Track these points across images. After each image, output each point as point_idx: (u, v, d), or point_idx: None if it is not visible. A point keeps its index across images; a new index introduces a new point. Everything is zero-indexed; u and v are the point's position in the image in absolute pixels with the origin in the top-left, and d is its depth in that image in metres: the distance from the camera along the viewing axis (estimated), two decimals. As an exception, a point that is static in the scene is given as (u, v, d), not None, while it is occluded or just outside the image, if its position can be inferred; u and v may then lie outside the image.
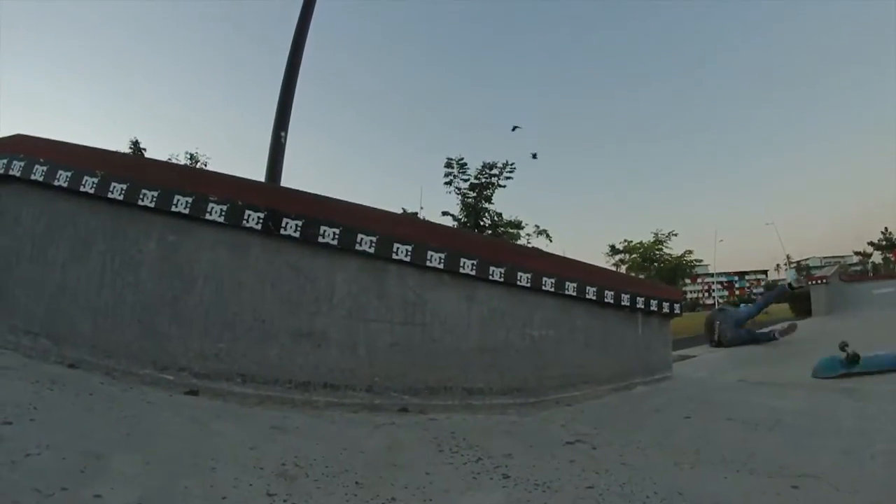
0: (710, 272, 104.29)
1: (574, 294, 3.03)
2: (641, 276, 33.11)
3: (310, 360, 2.39)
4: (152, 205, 2.32)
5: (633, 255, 32.42)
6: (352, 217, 2.48)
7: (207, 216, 2.32)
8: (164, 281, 2.37)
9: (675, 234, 32.17)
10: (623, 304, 3.41)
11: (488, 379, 2.71)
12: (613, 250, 34.41)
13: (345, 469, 1.58)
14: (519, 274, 2.78)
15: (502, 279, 2.72)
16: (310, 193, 2.51)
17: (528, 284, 2.81)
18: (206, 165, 19.77)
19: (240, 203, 2.34)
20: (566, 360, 3.10)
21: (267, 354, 2.36)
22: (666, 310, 3.86)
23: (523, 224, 23.59)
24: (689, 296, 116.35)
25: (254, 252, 2.40)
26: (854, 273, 41.42)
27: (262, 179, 6.38)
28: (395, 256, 2.45)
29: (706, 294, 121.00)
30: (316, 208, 2.45)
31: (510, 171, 22.13)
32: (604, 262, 36.65)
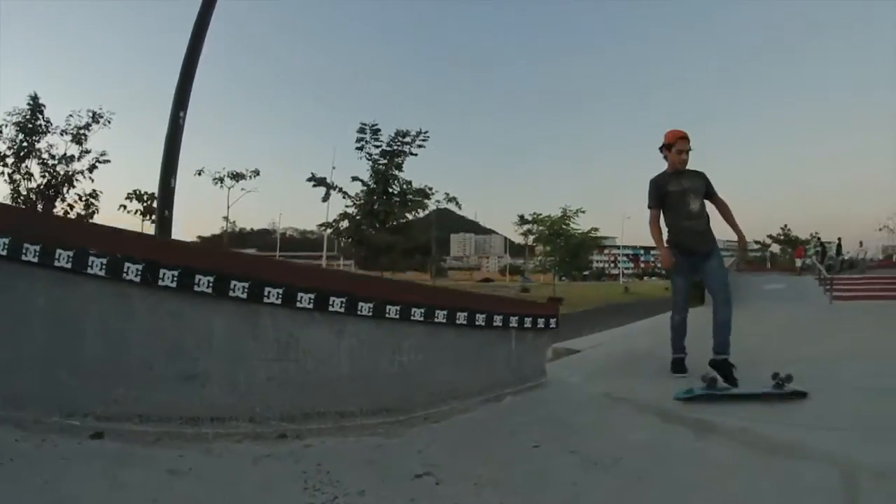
0: (617, 244, 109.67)
1: (443, 321, 3.26)
2: (548, 248, 34.26)
3: (197, 398, 2.59)
4: (35, 259, 2.40)
5: (541, 228, 33.33)
6: (225, 264, 2.65)
7: (89, 270, 2.42)
8: (57, 334, 2.50)
9: (583, 211, 33.42)
10: (495, 325, 3.65)
11: (359, 402, 2.96)
12: (522, 220, 35.41)
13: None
14: (388, 307, 3.00)
15: (371, 314, 2.93)
16: (185, 243, 2.64)
17: (398, 316, 3.03)
18: (109, 123, 18.89)
19: (119, 256, 2.46)
20: (435, 378, 3.35)
21: (158, 396, 2.54)
22: (541, 325, 4.10)
23: (433, 191, 23.82)
24: (595, 265, 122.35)
25: (136, 303, 2.54)
26: (752, 259, 44.98)
27: (161, 158, 6.22)
28: (266, 300, 2.63)
29: (612, 265, 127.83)
30: (191, 258, 2.60)
31: (423, 140, 22.29)
32: (513, 230, 37.66)
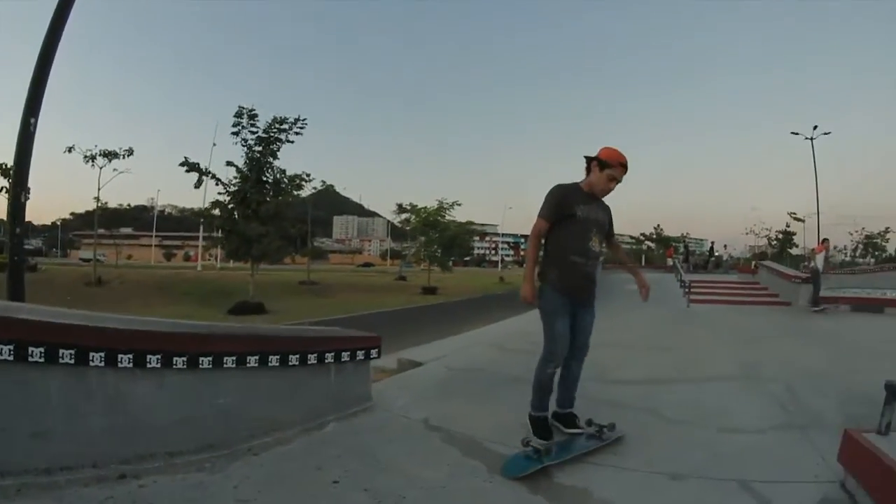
0: (499, 232, 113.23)
1: (256, 365, 3.67)
2: (423, 238, 35.02)
3: (47, 451, 2.93)
4: None
5: (416, 219, 33.97)
6: (53, 335, 2.97)
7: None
8: None
9: (459, 204, 34.39)
10: (310, 362, 4.03)
11: (185, 442, 3.34)
12: (401, 209, 35.86)
13: None
14: (200, 359, 3.39)
15: (185, 366, 3.33)
16: (16, 320, 3.01)
17: (210, 366, 3.44)
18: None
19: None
20: (254, 415, 3.74)
21: (14, 452, 2.86)
22: (361, 357, 4.48)
23: (310, 178, 23.76)
24: (477, 252, 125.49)
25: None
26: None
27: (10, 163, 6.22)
28: (91, 364, 3.00)
29: (493, 252, 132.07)
30: (21, 331, 2.91)
31: (301, 127, 22.22)
32: (392, 216, 38.29)
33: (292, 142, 22.27)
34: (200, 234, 41.74)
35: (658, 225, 59.45)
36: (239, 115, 21.69)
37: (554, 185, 3.85)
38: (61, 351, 2.93)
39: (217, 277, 33.99)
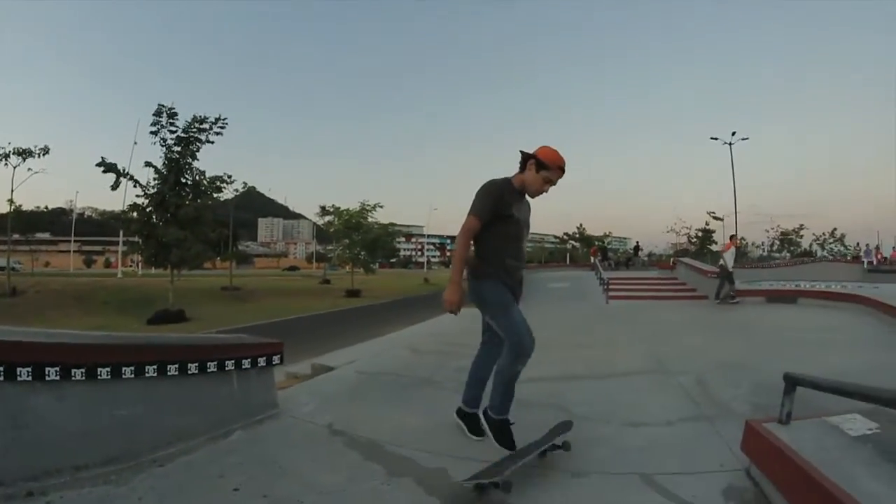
0: (424, 233, 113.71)
1: (155, 375, 3.71)
2: (346, 241, 34.88)
3: None
4: None
5: (339, 221, 33.92)
6: None
7: None
8: None
9: (381, 206, 34.58)
10: (210, 370, 4.08)
11: (90, 455, 3.36)
12: (324, 211, 35.72)
13: None
14: (98, 370, 3.43)
15: (84, 377, 3.36)
16: None
17: (109, 377, 3.47)
18: None
19: None
20: (157, 425, 3.77)
21: None
22: (263, 363, 4.55)
23: (231, 180, 23.33)
24: (403, 253, 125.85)
25: None
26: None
27: None
28: None
29: (419, 253, 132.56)
30: None
31: (221, 127, 21.85)
32: (316, 216, 38.07)
33: (212, 142, 21.97)
34: (120, 240, 40.17)
35: (581, 224, 61.52)
36: (158, 113, 21.24)
37: (488, 182, 3.61)
38: None
39: (138, 285, 33.01)
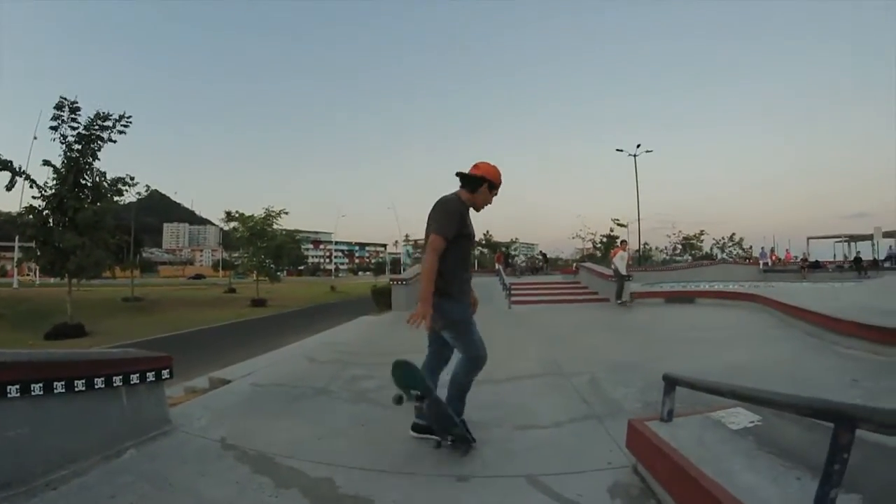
0: (332, 240, 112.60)
1: (42, 393, 3.60)
2: (251, 249, 34.02)
3: None
4: None
5: (243, 228, 33.17)
6: None
7: None
8: None
9: (287, 213, 34.24)
10: (98, 387, 4.01)
11: None
12: (229, 217, 34.93)
13: None
14: None
15: None
16: None
17: None
18: None
19: None
20: (48, 447, 3.67)
21: None
22: (152, 378, 4.51)
23: (133, 182, 22.31)
24: (311, 261, 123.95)
25: None
26: None
27: None
28: None
29: (328, 260, 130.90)
30: None
31: (125, 125, 20.86)
32: (221, 222, 37.11)
33: (115, 141, 20.98)
34: (16, 246, 37.66)
35: (487, 231, 62.73)
36: (60, 107, 19.99)
37: (446, 201, 3.80)
38: None
39: (35, 295, 31.52)
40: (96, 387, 4.05)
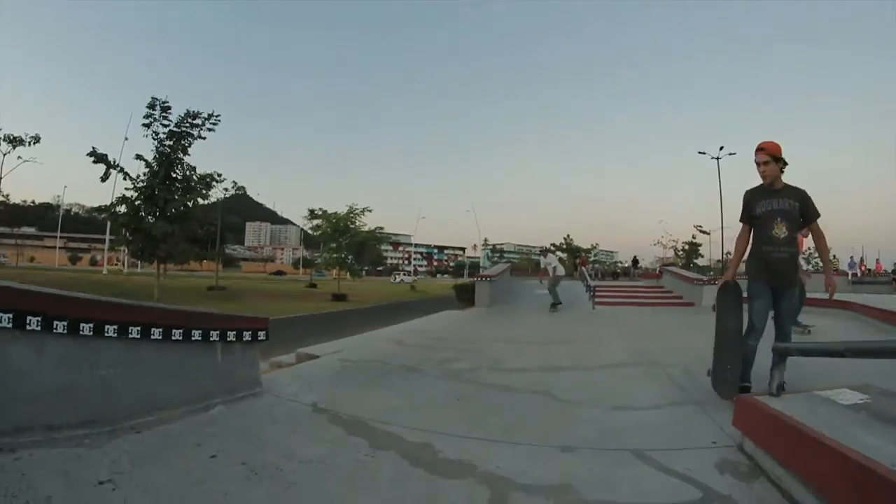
0: (412, 242, 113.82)
1: (139, 336, 3.59)
2: (333, 245, 34.71)
3: None
4: None
5: (326, 224, 33.69)
6: None
7: None
8: None
9: (370, 210, 34.41)
10: (195, 339, 3.99)
11: (65, 416, 3.23)
12: (313, 214, 35.45)
13: None
14: (81, 325, 3.31)
15: (66, 331, 3.24)
16: None
17: (91, 333, 3.35)
18: None
19: None
20: (138, 391, 3.66)
21: None
22: (248, 338, 4.46)
23: (221, 178, 23.09)
24: (390, 262, 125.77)
25: None
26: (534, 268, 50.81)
27: None
28: None
29: (406, 261, 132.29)
30: None
31: (213, 123, 21.59)
32: (304, 220, 37.87)
33: (204, 138, 21.61)
34: (107, 235, 39.72)
35: (568, 235, 61.59)
36: (152, 105, 20.86)
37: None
38: None
39: (122, 282, 32.54)
40: (193, 339, 4.03)
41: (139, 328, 3.65)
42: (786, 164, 4.23)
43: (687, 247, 52.04)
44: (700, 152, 43.77)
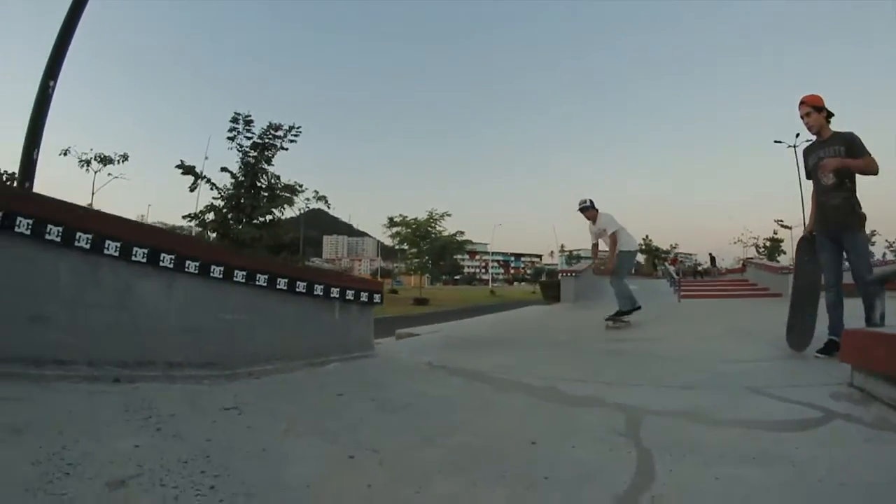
0: (488, 251, 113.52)
1: (264, 284, 3.62)
2: (414, 250, 35.01)
3: (41, 339, 2.85)
4: None
5: (406, 230, 33.90)
6: (72, 218, 2.96)
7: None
8: None
9: (449, 215, 34.36)
10: (316, 293, 3.99)
11: (187, 354, 3.28)
12: (392, 222, 35.68)
13: (54, 423, 2.13)
14: (212, 267, 3.35)
15: (197, 272, 3.29)
16: (39, 195, 3.03)
17: (221, 276, 3.39)
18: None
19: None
20: (259, 339, 3.69)
21: (6, 336, 2.77)
22: (364, 299, 4.45)
23: (303, 188, 23.65)
24: (467, 270, 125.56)
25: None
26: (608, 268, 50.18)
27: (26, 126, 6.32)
28: (106, 252, 2.98)
29: (483, 270, 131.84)
30: (43, 209, 2.89)
31: (295, 135, 22.12)
32: (382, 232, 38.17)
33: (286, 149, 22.10)
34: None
35: (647, 236, 59.72)
36: (235, 120, 21.58)
37: None
38: (78, 234, 2.92)
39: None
40: (315, 293, 4.03)
41: (266, 277, 3.68)
42: (831, 113, 4.17)
43: (768, 243, 49.12)
44: (776, 141, 41.01)
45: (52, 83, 6.69)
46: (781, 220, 47.26)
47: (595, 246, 7.94)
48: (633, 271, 8.99)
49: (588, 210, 7.57)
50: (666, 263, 33.09)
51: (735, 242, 55.70)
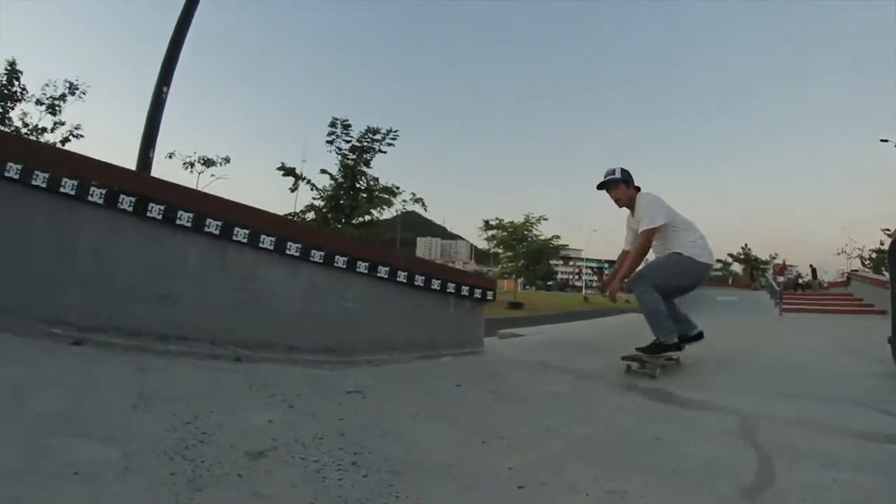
0: (583, 257, 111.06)
1: (385, 276, 3.67)
2: (510, 254, 34.79)
3: (168, 317, 3.01)
4: (44, 185, 2.79)
5: (503, 233, 33.76)
6: (203, 205, 3.08)
7: (89, 198, 2.83)
8: (53, 251, 2.91)
9: (546, 219, 34.03)
10: (433, 287, 4.01)
11: (307, 339, 3.37)
12: (487, 225, 35.67)
13: (181, 394, 2.21)
14: (336, 257, 3.42)
15: (322, 261, 3.36)
16: (171, 183, 3.12)
17: (344, 266, 3.46)
18: (84, 95, 19.25)
19: (115, 188, 2.89)
20: (377, 329, 3.76)
21: (135, 313, 2.95)
22: (478, 295, 4.43)
23: (400, 190, 24.03)
24: (560, 276, 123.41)
25: (126, 229, 2.97)
26: (712, 278, 47.51)
27: (142, 129, 6.60)
28: (234, 238, 3.09)
29: (576, 276, 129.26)
30: (175, 196, 3.03)
31: (392, 139, 22.54)
32: (478, 236, 38.16)
33: (385, 152, 22.54)
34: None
35: (745, 244, 56.54)
36: (333, 124, 22.17)
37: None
38: (209, 220, 3.03)
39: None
40: (432, 287, 4.04)
41: (388, 268, 3.73)
42: None
43: (874, 255, 45.24)
44: (882, 140, 37.24)
45: (165, 88, 6.99)
46: (888, 229, 43.48)
47: (627, 255, 4.42)
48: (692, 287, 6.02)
49: (616, 186, 4.20)
50: (770, 273, 31.18)
51: (839, 253, 51.66)
